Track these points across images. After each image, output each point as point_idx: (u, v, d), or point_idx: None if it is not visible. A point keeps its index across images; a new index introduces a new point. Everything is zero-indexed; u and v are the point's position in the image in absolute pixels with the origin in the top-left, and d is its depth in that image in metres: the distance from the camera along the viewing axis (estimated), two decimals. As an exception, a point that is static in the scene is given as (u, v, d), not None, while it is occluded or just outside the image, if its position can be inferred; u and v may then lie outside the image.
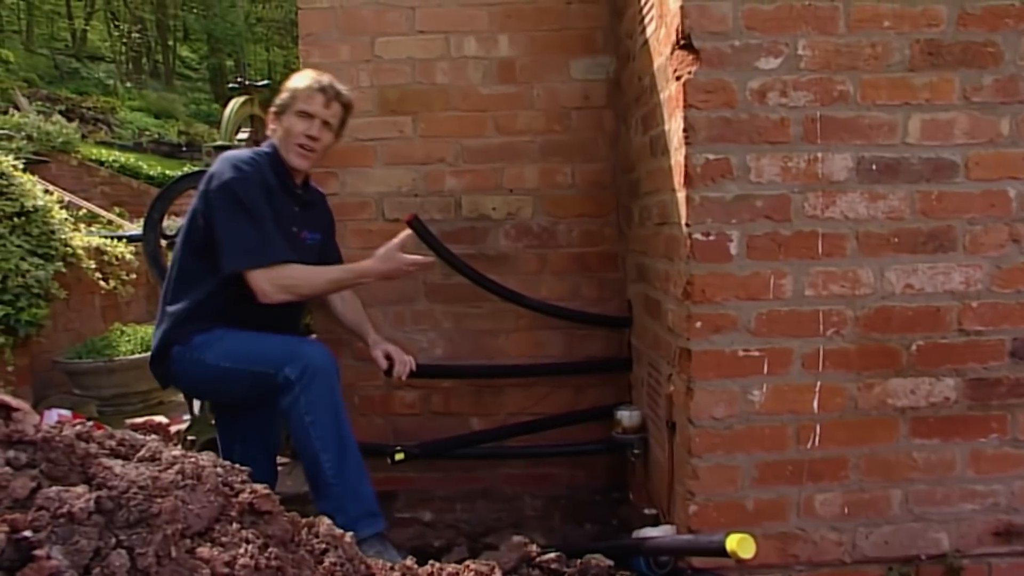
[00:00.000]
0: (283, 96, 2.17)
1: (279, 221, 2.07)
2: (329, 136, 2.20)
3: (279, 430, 2.55)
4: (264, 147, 2.20)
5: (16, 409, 1.11)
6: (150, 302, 6.08)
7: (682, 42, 1.76)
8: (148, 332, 4.65)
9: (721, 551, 1.55)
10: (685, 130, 1.75)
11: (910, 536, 1.84)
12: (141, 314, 5.81)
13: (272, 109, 2.19)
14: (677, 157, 1.82)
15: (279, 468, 2.95)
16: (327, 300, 2.35)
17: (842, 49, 1.75)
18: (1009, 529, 1.85)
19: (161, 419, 1.61)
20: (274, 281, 1.99)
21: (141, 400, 4.41)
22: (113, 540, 0.99)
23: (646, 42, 2.12)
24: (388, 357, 2.29)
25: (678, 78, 1.78)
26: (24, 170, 4.64)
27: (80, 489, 1.01)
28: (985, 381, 1.82)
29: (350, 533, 1.44)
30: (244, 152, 2.17)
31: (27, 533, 0.95)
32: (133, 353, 4.37)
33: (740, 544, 1.51)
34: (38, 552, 0.92)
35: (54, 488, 1.00)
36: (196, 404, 3.37)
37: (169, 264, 2.22)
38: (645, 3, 2.10)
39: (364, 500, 1.94)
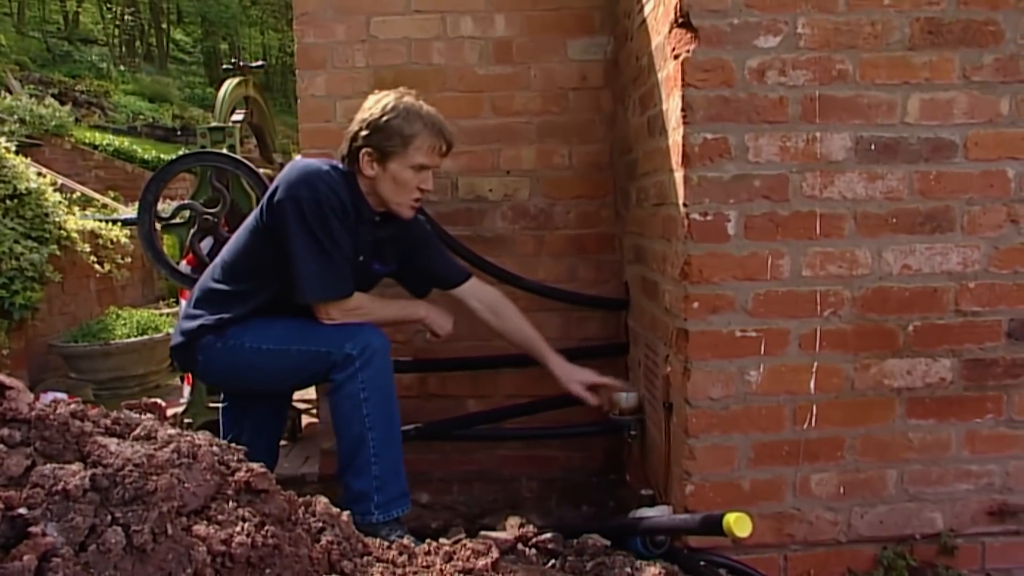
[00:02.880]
0: (390, 139, 1.94)
1: (357, 243, 1.98)
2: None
3: (284, 425, 2.54)
4: (338, 164, 2.03)
5: (10, 388, 1.11)
6: (145, 286, 6.08)
7: (680, 20, 1.74)
8: (144, 316, 4.64)
9: (718, 530, 1.56)
10: (683, 109, 1.74)
11: (905, 516, 1.85)
12: (137, 297, 5.81)
13: (369, 147, 1.96)
14: (675, 137, 1.81)
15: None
16: (476, 312, 2.21)
17: (841, 27, 1.74)
18: (1003, 508, 1.86)
19: (158, 400, 1.61)
20: (340, 309, 1.94)
21: (138, 384, 4.40)
22: (109, 517, 0.99)
23: (644, 21, 2.10)
24: (592, 388, 2.16)
25: (676, 57, 1.77)
26: (17, 153, 4.60)
27: (75, 467, 1.01)
28: (981, 362, 1.83)
29: (347, 512, 1.44)
30: (319, 164, 1.98)
31: (22, 510, 0.95)
32: (129, 337, 4.36)
33: (737, 523, 1.52)
34: (33, 529, 0.92)
35: (49, 466, 1.00)
36: (188, 388, 3.38)
37: (221, 263, 2.07)
38: (643, -19, 2.08)
39: (401, 481, 1.94)
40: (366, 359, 1.88)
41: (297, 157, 2.07)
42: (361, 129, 1.97)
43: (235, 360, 1.98)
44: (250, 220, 2.04)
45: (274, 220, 1.92)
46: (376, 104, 1.99)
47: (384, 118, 1.96)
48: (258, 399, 2.20)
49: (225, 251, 2.11)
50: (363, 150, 1.97)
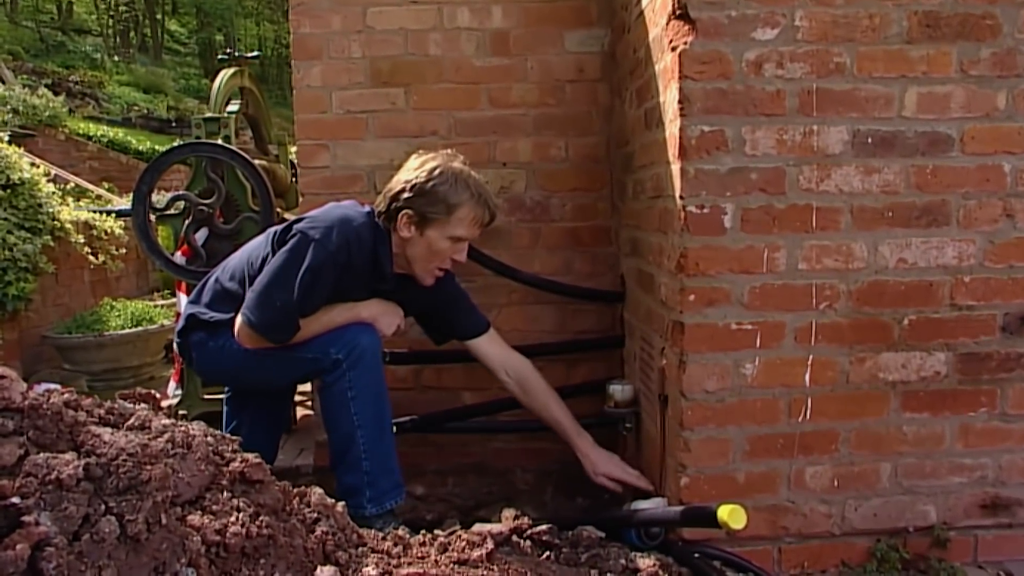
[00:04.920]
0: (433, 204, 1.92)
1: (336, 296, 1.96)
2: None
3: (287, 417, 2.54)
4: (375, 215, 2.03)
5: (2, 377, 1.10)
6: (140, 277, 6.05)
7: (678, 12, 1.74)
8: (138, 307, 4.62)
9: (712, 522, 1.56)
10: (680, 102, 1.73)
11: (898, 509, 1.86)
12: (131, 289, 5.79)
13: (411, 209, 1.93)
14: (672, 129, 1.80)
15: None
16: (505, 384, 2.20)
17: (839, 20, 1.73)
18: (995, 502, 1.86)
19: (152, 391, 1.61)
20: (259, 343, 1.92)
21: (132, 375, 4.39)
22: (102, 507, 0.98)
23: (641, 13, 2.09)
24: (615, 480, 2.10)
25: (674, 49, 1.76)
26: (10, 143, 4.58)
27: (68, 456, 1.01)
28: (976, 356, 1.83)
29: (342, 503, 1.44)
30: (356, 215, 1.99)
31: (15, 500, 0.94)
32: (123, 328, 4.34)
33: (731, 515, 1.52)
34: (26, 518, 0.92)
35: (42, 455, 0.99)
36: (174, 384, 3.37)
37: (236, 263, 2.09)
38: (641, -27, 2.07)
39: (393, 473, 1.96)
40: (353, 360, 1.89)
41: (331, 204, 2.10)
42: (404, 190, 1.94)
43: (225, 359, 2.01)
44: (273, 230, 2.06)
45: (284, 240, 1.96)
46: (422, 167, 1.96)
47: (430, 183, 1.93)
48: (258, 393, 2.21)
49: (243, 253, 2.12)
50: (403, 211, 1.95)
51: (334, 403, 1.92)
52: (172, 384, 3.63)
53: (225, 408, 2.27)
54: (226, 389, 2.30)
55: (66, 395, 1.16)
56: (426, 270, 2.01)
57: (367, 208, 2.07)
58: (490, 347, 2.19)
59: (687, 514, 1.74)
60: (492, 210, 2.01)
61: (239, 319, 1.93)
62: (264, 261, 1.99)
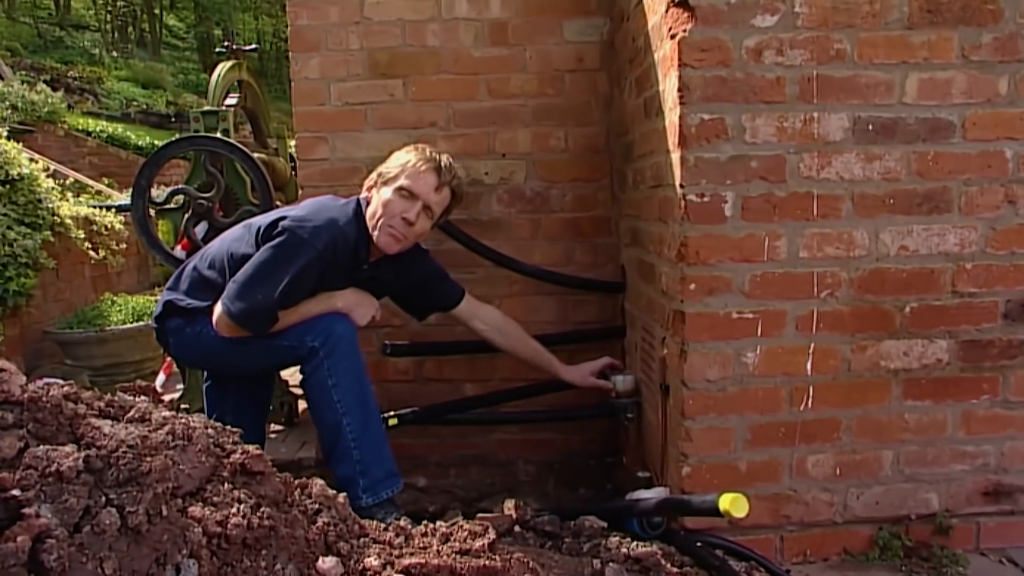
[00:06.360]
0: (390, 167, 2.04)
1: (317, 288, 1.99)
2: (427, 224, 2.05)
3: (270, 401, 2.54)
4: (360, 202, 2.08)
5: (2, 370, 1.10)
6: (141, 272, 6.05)
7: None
8: (139, 302, 4.62)
9: (714, 511, 1.56)
10: (680, 90, 1.72)
11: (900, 496, 1.86)
12: (132, 284, 5.78)
13: (372, 177, 2.08)
14: (671, 117, 1.79)
15: (272, 436, 2.97)
16: (481, 332, 2.28)
17: (839, 6, 1.72)
18: (998, 489, 1.86)
19: (152, 384, 1.63)
20: (237, 332, 1.93)
21: (134, 370, 4.39)
22: (103, 499, 0.98)
23: (640, 1, 2.08)
24: (603, 375, 2.33)
25: (673, 36, 1.75)
26: (9, 139, 4.56)
27: (68, 448, 1.00)
28: (978, 343, 1.83)
29: (343, 494, 1.44)
30: (340, 214, 2.02)
31: (15, 492, 0.94)
32: (125, 323, 4.34)
33: (733, 504, 1.52)
34: (27, 510, 0.92)
35: (42, 447, 0.99)
36: (163, 377, 3.38)
37: (216, 254, 2.09)
38: (640, -40, 2.06)
39: (386, 461, 1.97)
40: (330, 348, 1.91)
41: (327, 197, 2.15)
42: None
43: (201, 346, 2.02)
44: (256, 224, 2.05)
45: (269, 235, 1.96)
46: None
47: (395, 150, 2.10)
48: (239, 378, 2.22)
49: (222, 243, 2.12)
50: (369, 177, 2.10)
51: (317, 393, 1.93)
52: (161, 377, 3.63)
53: (206, 398, 2.27)
54: (204, 376, 2.31)
55: (65, 388, 1.16)
56: (379, 228, 2.00)
57: (353, 200, 2.10)
58: (466, 307, 2.28)
59: (689, 503, 1.74)
60: (442, 173, 2.02)
61: (218, 308, 1.94)
62: (245, 253, 1.99)
